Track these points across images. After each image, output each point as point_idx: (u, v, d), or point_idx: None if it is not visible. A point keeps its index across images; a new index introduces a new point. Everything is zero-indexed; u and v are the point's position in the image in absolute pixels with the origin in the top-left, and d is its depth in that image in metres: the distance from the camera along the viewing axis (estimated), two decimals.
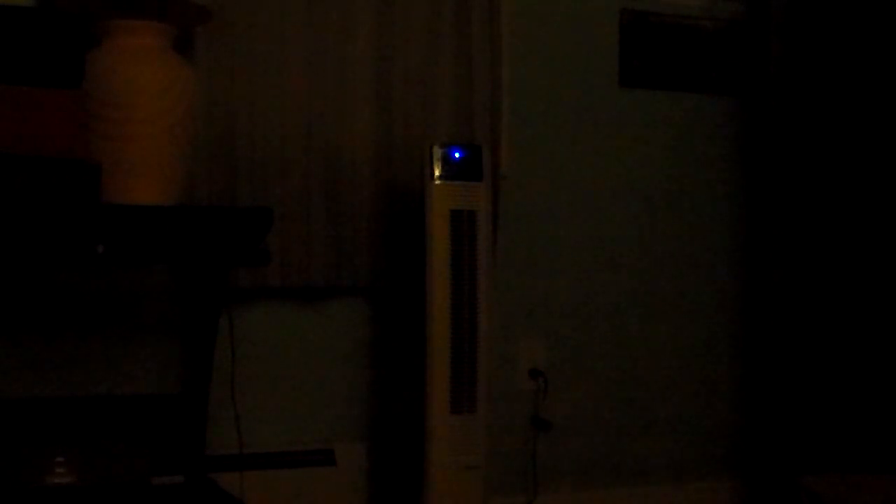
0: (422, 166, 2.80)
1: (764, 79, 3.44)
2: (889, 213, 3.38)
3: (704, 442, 3.46)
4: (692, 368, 3.45)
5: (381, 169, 2.96)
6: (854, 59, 3.40)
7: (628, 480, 3.36)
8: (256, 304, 2.91)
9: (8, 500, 2.47)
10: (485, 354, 2.81)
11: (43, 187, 2.19)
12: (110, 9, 2.40)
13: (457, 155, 2.78)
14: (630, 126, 3.37)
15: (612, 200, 3.34)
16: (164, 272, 2.80)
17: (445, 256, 2.76)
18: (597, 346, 3.33)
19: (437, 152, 2.77)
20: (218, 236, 2.38)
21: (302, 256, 2.88)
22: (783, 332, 3.40)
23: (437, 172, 2.76)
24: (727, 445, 3.49)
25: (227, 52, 2.80)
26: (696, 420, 3.45)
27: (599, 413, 3.33)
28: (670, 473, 3.41)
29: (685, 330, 3.44)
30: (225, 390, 2.75)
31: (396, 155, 2.97)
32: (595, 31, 3.32)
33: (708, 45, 3.46)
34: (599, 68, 3.33)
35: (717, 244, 3.48)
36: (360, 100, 2.94)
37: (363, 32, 2.95)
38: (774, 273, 3.42)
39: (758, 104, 3.48)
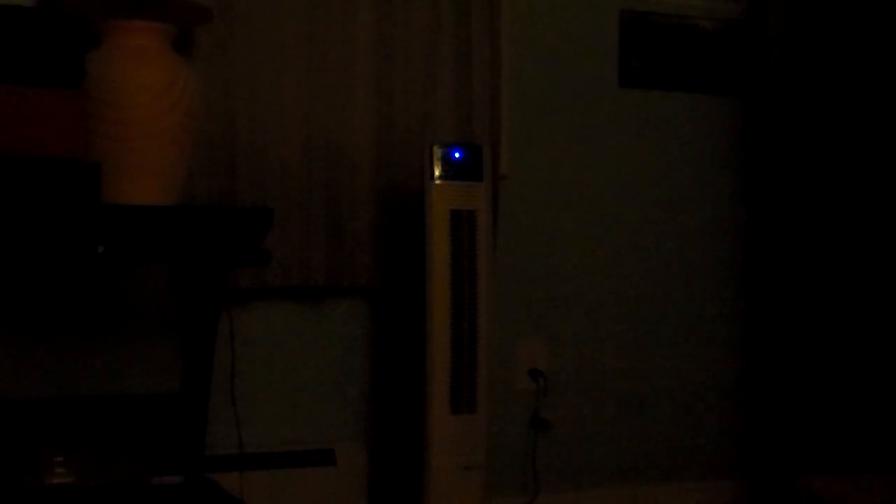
0: (422, 166, 2.80)
1: (764, 79, 3.44)
2: (889, 213, 3.38)
3: (704, 442, 3.46)
4: (692, 368, 3.45)
5: (381, 169, 2.96)
6: (854, 58, 3.40)
7: (628, 480, 3.36)
8: (256, 304, 2.91)
9: (8, 500, 2.47)
10: (485, 354, 2.81)
11: (43, 187, 2.19)
12: (110, 9, 2.40)
13: (457, 155, 2.78)
14: (630, 126, 3.37)
15: (612, 200, 3.34)
16: (164, 272, 2.80)
17: (445, 256, 2.76)
18: (597, 346, 3.33)
19: (437, 152, 2.77)
20: (218, 236, 2.38)
21: (302, 256, 2.88)
22: (783, 333, 3.40)
23: (437, 172, 2.76)
24: (727, 445, 3.49)
25: (227, 52, 2.80)
26: (696, 420, 3.45)
27: (599, 413, 3.33)
28: (670, 473, 3.41)
29: (685, 330, 3.44)
30: (225, 390, 2.75)
31: (396, 155, 2.97)
32: (595, 32, 3.32)
33: (708, 45, 3.46)
34: (599, 68, 3.33)
35: (716, 244, 3.48)
36: (361, 100, 2.94)
37: (363, 32, 2.95)
38: (774, 273, 3.42)
39: (758, 104, 3.48)
